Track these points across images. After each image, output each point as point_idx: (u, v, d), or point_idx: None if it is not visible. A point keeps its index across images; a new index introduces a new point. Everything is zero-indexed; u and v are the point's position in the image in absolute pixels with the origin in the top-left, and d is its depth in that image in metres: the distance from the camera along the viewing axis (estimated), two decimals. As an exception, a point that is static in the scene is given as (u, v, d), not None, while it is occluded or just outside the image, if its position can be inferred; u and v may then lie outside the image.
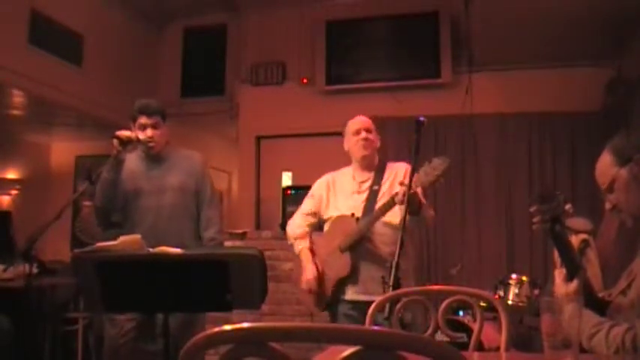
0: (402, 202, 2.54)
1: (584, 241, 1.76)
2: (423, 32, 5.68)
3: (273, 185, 5.94)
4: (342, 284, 2.90)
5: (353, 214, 2.89)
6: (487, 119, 5.51)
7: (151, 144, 3.01)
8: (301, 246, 3.06)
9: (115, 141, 2.87)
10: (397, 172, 2.96)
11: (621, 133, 1.66)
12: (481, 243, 5.39)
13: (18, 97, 5.41)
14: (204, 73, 6.52)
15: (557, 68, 5.35)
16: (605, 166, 1.63)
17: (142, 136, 2.98)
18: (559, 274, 1.64)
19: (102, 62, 5.68)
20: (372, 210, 2.84)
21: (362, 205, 2.91)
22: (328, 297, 2.94)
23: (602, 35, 4.75)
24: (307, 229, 3.09)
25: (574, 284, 1.58)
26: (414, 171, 2.51)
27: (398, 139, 5.33)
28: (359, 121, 3.04)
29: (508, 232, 5.37)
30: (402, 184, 2.60)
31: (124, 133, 2.91)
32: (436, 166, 2.51)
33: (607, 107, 5.08)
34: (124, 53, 6.04)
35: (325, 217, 3.05)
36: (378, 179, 2.96)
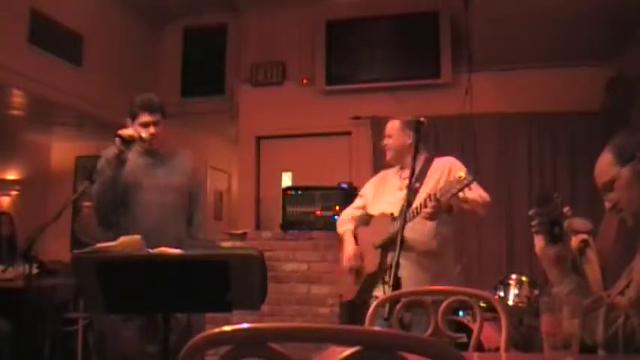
0: (428, 218, 2.69)
1: (584, 241, 1.76)
2: (423, 32, 5.68)
3: (273, 185, 5.93)
4: (371, 280, 2.98)
5: (392, 213, 2.94)
6: (487, 119, 5.51)
7: (153, 142, 2.99)
8: (344, 228, 3.18)
9: (118, 140, 2.82)
10: (442, 169, 2.99)
11: (622, 132, 1.65)
12: (481, 243, 5.39)
13: (18, 97, 5.41)
14: (204, 73, 6.51)
15: (557, 68, 5.35)
16: (606, 164, 1.63)
17: (144, 134, 2.93)
18: (539, 240, 1.58)
19: (102, 62, 5.68)
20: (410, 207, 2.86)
21: (402, 202, 2.92)
22: (367, 278, 3.01)
23: (602, 35, 4.74)
24: (352, 217, 3.21)
25: (557, 247, 1.54)
26: (412, 173, 2.55)
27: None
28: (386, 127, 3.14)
29: (508, 232, 5.36)
30: (428, 197, 2.70)
31: (127, 132, 2.86)
32: (460, 180, 2.55)
33: (607, 107, 5.08)
34: (123, 53, 6.04)
35: (370, 212, 3.14)
36: (420, 176, 2.98)
